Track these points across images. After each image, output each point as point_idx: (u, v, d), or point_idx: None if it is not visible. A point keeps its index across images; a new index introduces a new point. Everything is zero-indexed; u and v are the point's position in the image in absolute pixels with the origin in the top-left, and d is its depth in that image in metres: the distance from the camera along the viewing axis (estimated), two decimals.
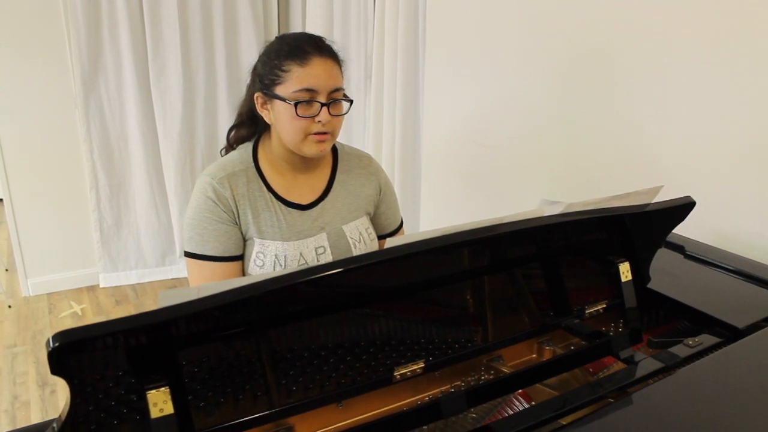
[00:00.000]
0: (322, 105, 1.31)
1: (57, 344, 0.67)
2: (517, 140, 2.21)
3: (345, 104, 1.37)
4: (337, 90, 1.34)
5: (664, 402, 0.88)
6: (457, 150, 2.57)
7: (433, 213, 2.82)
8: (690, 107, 1.58)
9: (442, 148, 2.67)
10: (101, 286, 3.65)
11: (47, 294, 3.58)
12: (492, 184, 2.38)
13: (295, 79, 1.30)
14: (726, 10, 1.47)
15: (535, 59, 2.07)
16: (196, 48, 3.43)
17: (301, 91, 1.29)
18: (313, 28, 3.26)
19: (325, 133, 1.33)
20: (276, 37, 1.39)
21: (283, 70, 1.31)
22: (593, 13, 1.81)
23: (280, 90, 1.31)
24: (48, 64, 3.24)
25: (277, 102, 1.32)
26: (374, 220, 1.58)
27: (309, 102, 1.30)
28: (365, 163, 1.55)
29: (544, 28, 2.00)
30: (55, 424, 0.74)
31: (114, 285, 3.67)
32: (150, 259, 3.71)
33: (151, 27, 3.28)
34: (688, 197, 1.10)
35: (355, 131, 3.35)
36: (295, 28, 3.64)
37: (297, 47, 1.32)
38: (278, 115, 1.34)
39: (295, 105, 1.29)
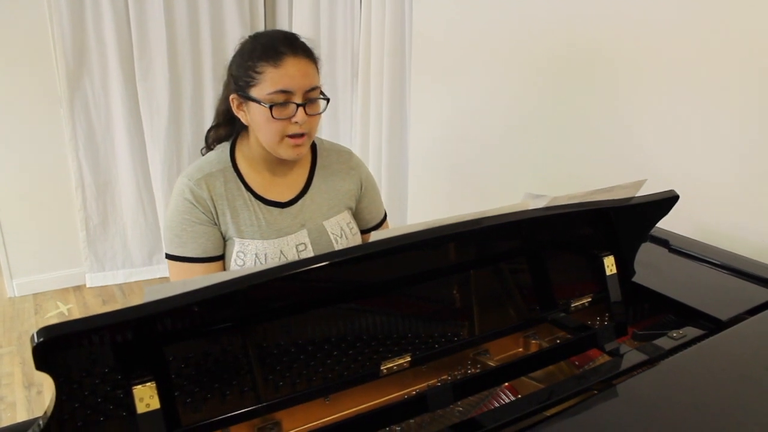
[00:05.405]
0: (298, 106, 1.29)
1: (42, 339, 0.66)
2: (503, 137, 2.22)
3: (322, 103, 1.35)
4: (313, 89, 1.32)
5: (647, 393, 0.89)
6: (444, 147, 2.58)
7: (420, 210, 2.83)
8: (673, 102, 1.60)
9: (429, 146, 2.68)
10: (88, 286, 3.62)
11: (33, 294, 3.55)
12: (479, 181, 2.39)
13: (270, 80, 1.27)
14: (708, 8, 1.48)
15: (520, 57, 2.07)
16: (183, 46, 3.41)
17: (275, 93, 1.27)
18: (300, 26, 3.26)
19: (301, 136, 1.32)
20: (249, 36, 1.36)
21: (257, 72, 1.28)
22: (577, 11, 1.82)
23: (254, 92, 1.29)
24: (32, 62, 3.21)
25: (253, 104, 1.31)
26: (357, 214, 1.58)
27: (284, 104, 1.28)
28: (345, 158, 1.55)
29: (529, 26, 2.01)
30: (40, 421, 0.74)
31: (101, 285, 3.64)
32: (137, 258, 3.69)
33: (137, 25, 3.26)
34: (672, 191, 1.11)
35: (342, 129, 3.35)
36: (282, 26, 3.63)
37: (270, 47, 1.29)
38: (254, 117, 1.32)
39: (270, 108, 1.27)
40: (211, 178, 1.37)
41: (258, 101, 1.29)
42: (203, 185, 1.35)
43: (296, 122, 1.30)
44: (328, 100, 1.36)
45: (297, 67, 1.29)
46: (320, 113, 1.35)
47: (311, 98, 1.32)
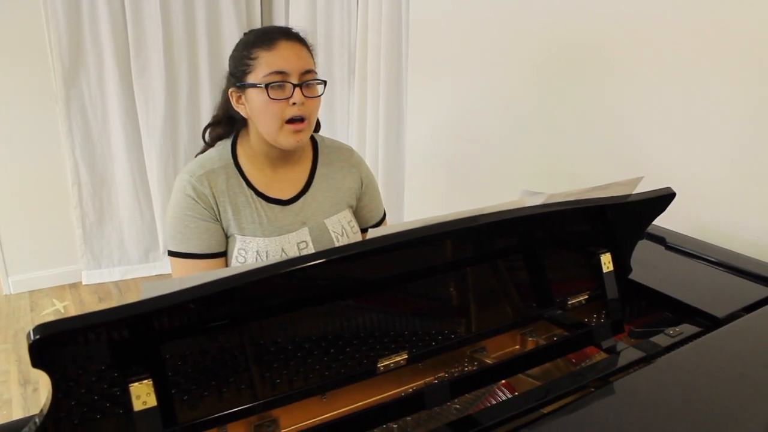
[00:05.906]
0: (295, 86, 1.30)
1: (38, 336, 0.66)
2: (500, 134, 2.22)
3: (319, 87, 1.36)
4: (309, 71, 1.33)
5: (644, 390, 0.89)
6: (440, 145, 2.57)
7: (417, 208, 2.83)
8: (670, 99, 1.60)
9: (426, 143, 2.67)
10: (84, 283, 3.62)
11: (29, 292, 3.54)
12: (476, 179, 2.39)
13: (264, 63, 1.30)
14: (706, 5, 1.48)
15: (517, 54, 2.07)
16: (179, 43, 3.40)
17: (271, 74, 1.29)
18: (297, 23, 3.24)
19: (301, 121, 1.32)
20: (243, 33, 1.39)
21: (252, 59, 1.31)
22: (574, 8, 1.82)
23: (251, 78, 1.31)
24: (29, 60, 3.20)
25: (250, 91, 1.32)
26: (357, 212, 1.57)
27: (281, 84, 1.29)
28: (346, 155, 1.55)
29: (526, 23, 2.01)
30: (36, 419, 0.74)
31: (97, 282, 3.63)
32: (133, 255, 3.68)
33: (133, 23, 3.25)
34: (668, 188, 1.11)
35: (339, 126, 3.34)
36: (278, 23, 3.62)
37: (264, 35, 1.32)
38: (253, 104, 1.33)
39: (267, 87, 1.28)
40: (213, 174, 1.37)
41: (255, 85, 1.30)
42: (205, 181, 1.35)
43: (294, 103, 1.30)
44: (324, 82, 1.36)
45: (291, 50, 1.31)
46: (318, 96, 1.36)
47: (307, 80, 1.32)
